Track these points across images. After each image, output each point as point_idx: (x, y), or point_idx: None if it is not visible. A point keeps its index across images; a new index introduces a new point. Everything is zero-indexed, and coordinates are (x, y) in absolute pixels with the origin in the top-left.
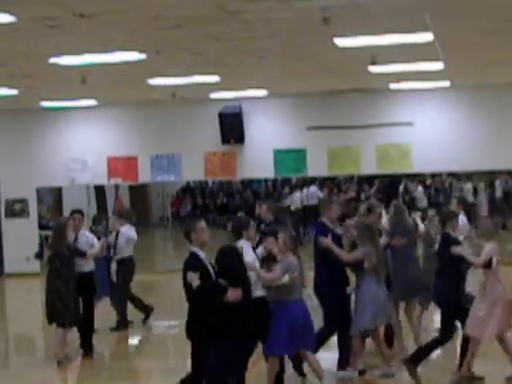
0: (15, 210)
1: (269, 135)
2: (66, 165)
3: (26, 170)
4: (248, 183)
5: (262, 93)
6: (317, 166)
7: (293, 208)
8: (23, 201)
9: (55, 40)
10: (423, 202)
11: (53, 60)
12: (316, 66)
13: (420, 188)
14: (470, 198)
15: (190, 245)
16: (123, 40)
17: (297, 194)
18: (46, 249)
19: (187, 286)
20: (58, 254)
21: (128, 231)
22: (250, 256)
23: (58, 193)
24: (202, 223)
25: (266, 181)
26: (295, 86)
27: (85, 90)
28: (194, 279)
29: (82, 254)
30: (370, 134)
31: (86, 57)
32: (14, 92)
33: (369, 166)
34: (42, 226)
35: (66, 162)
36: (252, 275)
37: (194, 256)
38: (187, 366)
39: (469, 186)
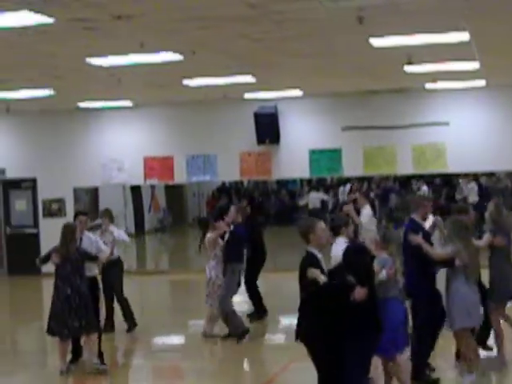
0: (52, 209)
1: (304, 135)
2: (102, 165)
3: (63, 170)
4: (283, 183)
5: (298, 93)
6: (352, 166)
7: (310, 207)
8: (60, 200)
9: (92, 41)
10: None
11: (89, 61)
12: (351, 65)
13: (474, 186)
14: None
15: (308, 245)
16: (159, 41)
17: (314, 194)
18: (54, 253)
19: (305, 283)
20: (68, 259)
21: (117, 231)
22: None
23: (94, 193)
24: (322, 224)
25: (301, 181)
26: (330, 85)
27: (121, 90)
28: (318, 274)
29: (94, 259)
30: (406, 134)
31: (122, 58)
32: (51, 93)
33: (405, 166)
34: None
35: (102, 162)
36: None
37: (311, 255)
38: (221, 367)
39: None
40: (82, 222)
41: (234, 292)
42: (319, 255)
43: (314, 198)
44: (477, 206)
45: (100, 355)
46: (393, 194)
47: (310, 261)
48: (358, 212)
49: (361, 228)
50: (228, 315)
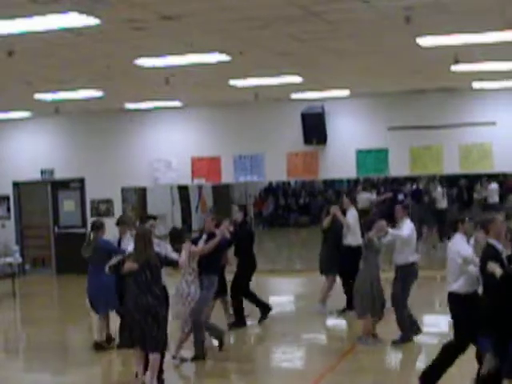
0: (101, 209)
1: (351, 135)
2: (150, 165)
3: (111, 171)
4: (330, 183)
5: (345, 93)
6: (399, 166)
7: (360, 207)
8: (108, 201)
9: (140, 42)
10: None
11: (137, 62)
12: (398, 65)
13: (495, 186)
14: None
15: (487, 236)
16: (207, 41)
17: (363, 194)
18: (131, 260)
19: (488, 275)
20: (148, 266)
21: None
22: (466, 249)
23: (142, 193)
24: (501, 217)
25: (348, 181)
26: (377, 85)
27: (168, 91)
28: (496, 268)
29: (175, 264)
30: (453, 134)
31: (170, 58)
32: (99, 93)
33: (451, 166)
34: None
35: (150, 162)
36: (471, 269)
37: (491, 247)
38: (268, 366)
39: None
40: (153, 226)
41: (208, 305)
42: (500, 246)
43: (363, 198)
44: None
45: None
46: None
47: (489, 253)
48: (345, 213)
49: (348, 229)
50: (206, 325)
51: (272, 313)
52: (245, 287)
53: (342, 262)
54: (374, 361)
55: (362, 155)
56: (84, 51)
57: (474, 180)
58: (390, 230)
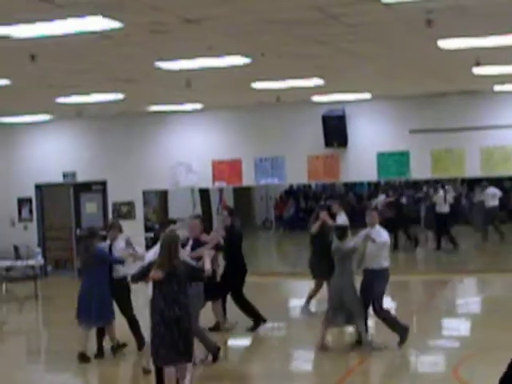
0: (122, 212)
1: (372, 138)
2: (171, 168)
3: (132, 174)
4: (351, 186)
5: (366, 96)
6: (420, 169)
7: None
8: (130, 203)
9: (161, 45)
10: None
11: (159, 64)
12: (419, 68)
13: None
14: None
15: None
16: (228, 44)
17: (383, 197)
18: (156, 268)
19: None
20: (174, 275)
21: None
22: None
23: (163, 196)
24: None
25: (368, 184)
26: (399, 88)
27: (190, 94)
28: None
29: (202, 272)
30: (474, 137)
31: (192, 61)
32: (120, 96)
33: (473, 169)
34: (148, 229)
35: (171, 165)
36: None
37: None
38: (291, 369)
39: None
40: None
41: (198, 313)
42: None
43: (381, 201)
44: None
45: None
46: None
47: None
48: (334, 218)
49: None
50: (200, 335)
51: (292, 315)
52: (238, 292)
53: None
54: (395, 364)
55: (383, 158)
56: (106, 54)
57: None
58: (378, 239)
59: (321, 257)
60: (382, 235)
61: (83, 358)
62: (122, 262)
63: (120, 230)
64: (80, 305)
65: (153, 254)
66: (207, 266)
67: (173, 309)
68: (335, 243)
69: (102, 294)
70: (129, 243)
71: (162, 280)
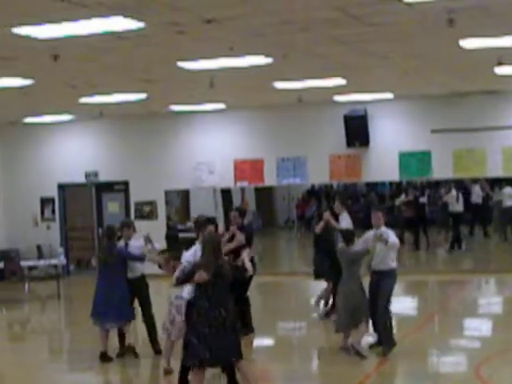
0: (144, 211)
1: (394, 138)
2: (193, 168)
3: (154, 173)
4: (373, 186)
5: (388, 95)
6: (442, 169)
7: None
8: (152, 203)
9: (183, 45)
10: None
11: (181, 64)
12: (441, 67)
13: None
14: None
15: None
16: (250, 44)
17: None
18: (202, 270)
19: None
20: (220, 276)
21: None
22: None
23: (185, 195)
24: None
25: (390, 183)
26: (420, 88)
27: (212, 94)
28: None
29: (245, 269)
30: (496, 136)
31: (214, 61)
32: (142, 96)
33: (495, 169)
34: (169, 228)
35: (193, 165)
36: None
37: None
38: (311, 369)
39: None
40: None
41: None
42: None
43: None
44: None
45: None
46: None
47: None
48: (337, 218)
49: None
50: None
51: (313, 315)
52: (242, 294)
53: (336, 266)
54: (416, 364)
55: (405, 158)
56: (128, 54)
57: None
58: (390, 240)
59: (323, 256)
60: (391, 236)
61: (104, 357)
62: (143, 259)
63: (134, 230)
64: (96, 304)
65: (190, 254)
66: (248, 265)
67: (218, 310)
68: (341, 246)
69: (122, 293)
70: (148, 239)
71: (208, 281)
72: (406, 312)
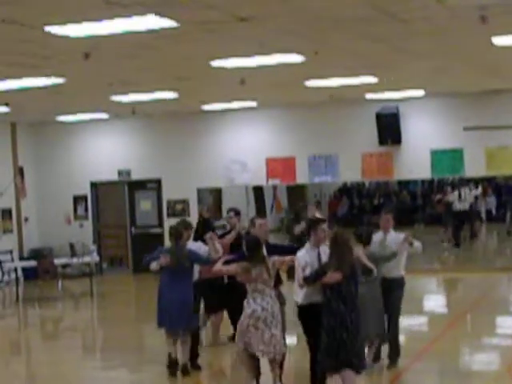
0: (177, 210)
1: (426, 135)
2: (225, 166)
3: (186, 171)
4: (405, 184)
5: (419, 93)
6: (474, 167)
7: None
8: (184, 201)
9: (215, 43)
10: None
11: (213, 63)
12: (474, 65)
13: None
14: None
15: None
16: (281, 42)
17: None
18: (332, 271)
19: None
20: (353, 277)
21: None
22: None
23: (217, 194)
24: None
25: (422, 182)
26: (453, 85)
27: (243, 91)
28: None
29: (370, 270)
30: None
31: (245, 59)
32: (174, 95)
33: None
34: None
35: (225, 163)
36: None
37: None
38: None
39: None
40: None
41: None
42: None
43: None
44: None
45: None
46: None
47: None
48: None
49: None
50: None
51: None
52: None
53: None
54: (449, 362)
55: (437, 155)
56: (161, 53)
57: None
58: (416, 243)
59: None
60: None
61: (171, 366)
62: (213, 262)
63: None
64: (163, 309)
65: (303, 254)
66: (369, 265)
67: (354, 312)
68: (372, 248)
69: (190, 297)
70: (211, 239)
71: (341, 282)
72: (439, 310)
